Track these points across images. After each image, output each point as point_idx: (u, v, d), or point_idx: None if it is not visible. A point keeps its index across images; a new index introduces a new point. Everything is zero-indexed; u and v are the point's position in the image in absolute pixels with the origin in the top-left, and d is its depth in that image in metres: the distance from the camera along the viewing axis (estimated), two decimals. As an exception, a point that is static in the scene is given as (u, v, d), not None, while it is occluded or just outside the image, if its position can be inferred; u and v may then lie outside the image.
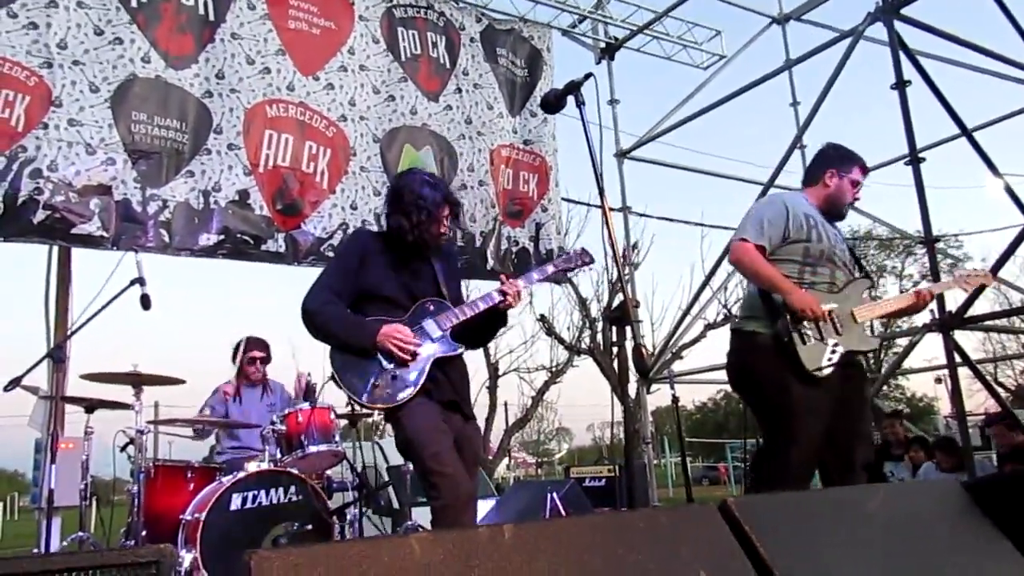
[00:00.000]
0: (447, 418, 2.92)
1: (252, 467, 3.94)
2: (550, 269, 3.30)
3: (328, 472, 4.76)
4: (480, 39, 6.79)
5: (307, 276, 4.49)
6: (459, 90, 6.51)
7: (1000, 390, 12.24)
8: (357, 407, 4.10)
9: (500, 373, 17.37)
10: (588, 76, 2.62)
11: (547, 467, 31.27)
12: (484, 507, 6.46)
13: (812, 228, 3.29)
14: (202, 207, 5.06)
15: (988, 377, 8.16)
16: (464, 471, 2.83)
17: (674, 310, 17.28)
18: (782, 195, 3.51)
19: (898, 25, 6.50)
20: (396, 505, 6.94)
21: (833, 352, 3.15)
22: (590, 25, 9.23)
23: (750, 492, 3.70)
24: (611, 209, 2.61)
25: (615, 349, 2.42)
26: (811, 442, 3.07)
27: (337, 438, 4.46)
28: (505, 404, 19.73)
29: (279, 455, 4.22)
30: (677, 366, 10.17)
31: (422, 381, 2.88)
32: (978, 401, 18.37)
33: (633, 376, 2.50)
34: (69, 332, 4.49)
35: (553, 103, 2.69)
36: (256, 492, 3.82)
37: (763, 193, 7.44)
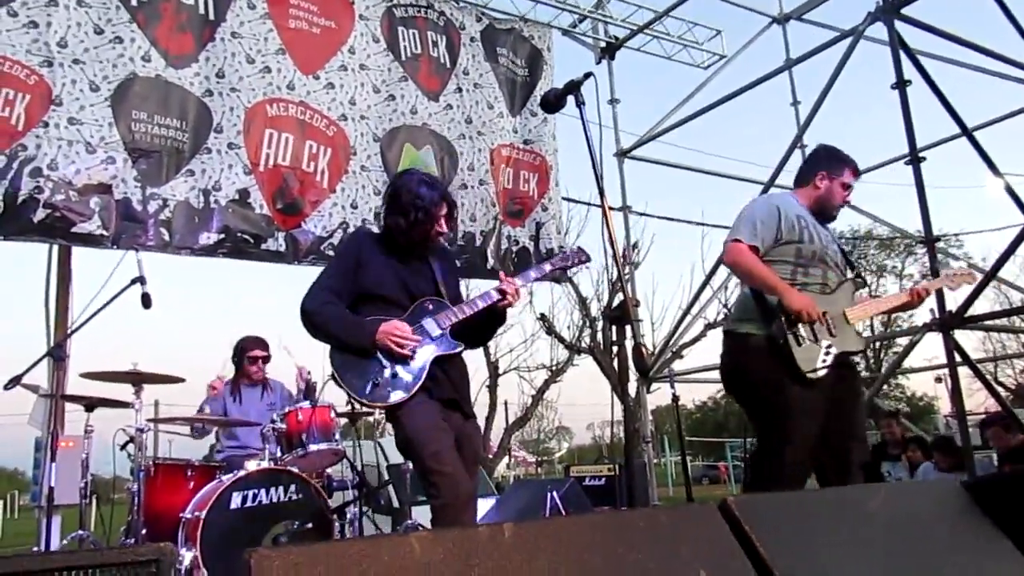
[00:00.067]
0: (447, 416, 2.93)
1: (252, 466, 3.94)
2: (547, 268, 3.32)
3: (328, 471, 4.77)
4: (480, 38, 6.78)
5: (307, 275, 4.49)
6: (459, 89, 6.51)
7: (1000, 389, 12.23)
8: (357, 406, 4.11)
9: (500, 372, 17.38)
10: (588, 76, 2.62)
11: (547, 466, 31.23)
12: (484, 506, 6.46)
13: (804, 229, 3.29)
14: (202, 206, 5.06)
15: (988, 376, 8.16)
16: (464, 470, 2.84)
17: (674, 309, 17.33)
18: (773, 196, 3.51)
19: (898, 25, 6.50)
20: (396, 504, 6.95)
21: (827, 354, 3.15)
22: (590, 25, 9.23)
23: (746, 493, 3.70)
24: (611, 208, 2.61)
25: (615, 348, 2.42)
26: (805, 443, 3.07)
27: (337, 437, 4.46)
28: (505, 403, 19.75)
29: (279, 454, 4.23)
30: (677, 365, 10.18)
31: (422, 379, 2.88)
32: (978, 400, 18.39)
33: (633, 375, 2.51)
34: (69, 331, 4.49)
35: (553, 103, 2.69)
36: (256, 491, 3.82)
37: (764, 192, 7.44)
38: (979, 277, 3.96)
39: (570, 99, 2.63)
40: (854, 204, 9.39)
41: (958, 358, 6.14)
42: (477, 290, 3.20)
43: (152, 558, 1.34)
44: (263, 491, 3.83)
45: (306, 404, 4.39)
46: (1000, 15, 6.80)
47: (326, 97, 5.73)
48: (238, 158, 5.25)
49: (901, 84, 6.38)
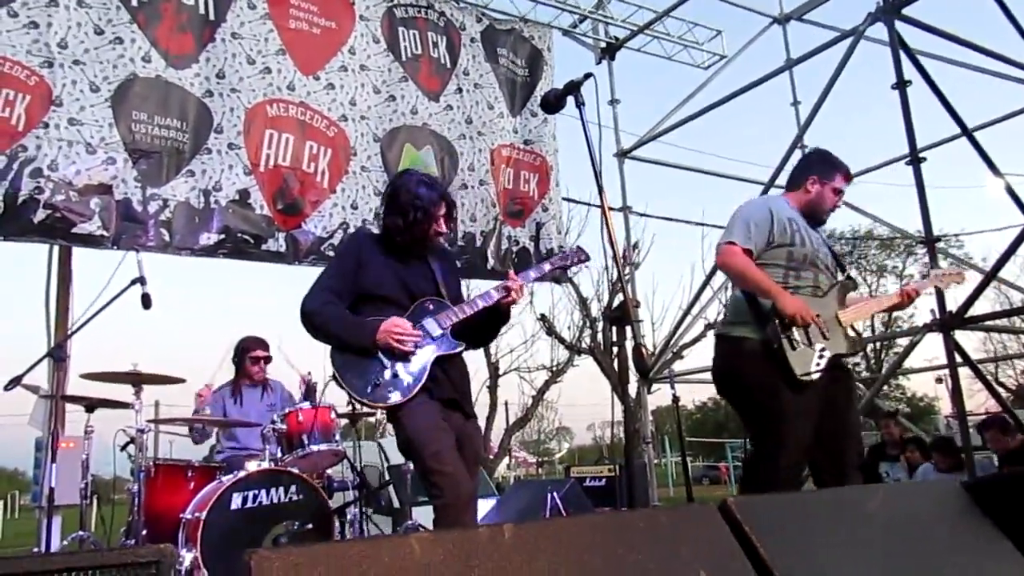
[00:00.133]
0: (447, 416, 2.92)
1: (253, 466, 3.94)
2: (547, 267, 3.32)
3: (329, 471, 4.77)
4: (481, 39, 6.79)
5: (307, 275, 4.51)
6: (460, 90, 6.51)
7: (1001, 390, 12.23)
8: (359, 406, 4.12)
9: (500, 372, 17.39)
10: (588, 76, 2.62)
11: (547, 466, 31.22)
12: (484, 506, 6.46)
13: (796, 232, 3.29)
14: (202, 206, 5.06)
15: (989, 377, 8.16)
16: (465, 470, 2.84)
17: (674, 310, 17.29)
18: (766, 199, 3.51)
19: (899, 25, 6.50)
20: (396, 504, 6.96)
21: (821, 357, 3.15)
22: (591, 25, 9.23)
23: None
24: (611, 209, 2.62)
25: (615, 349, 2.42)
26: (800, 446, 3.07)
27: (338, 437, 4.46)
28: (506, 403, 19.75)
29: (279, 454, 4.22)
30: (677, 366, 10.17)
31: (423, 380, 2.88)
32: (979, 401, 18.40)
33: (633, 376, 2.50)
34: (69, 331, 4.49)
35: (553, 103, 2.69)
36: (257, 491, 3.81)
37: (764, 192, 7.44)
38: (967, 277, 3.96)
39: (570, 99, 2.63)
40: (854, 204, 9.41)
41: (959, 358, 6.14)
42: (477, 291, 3.20)
43: (152, 559, 1.34)
44: (263, 492, 3.83)
45: (306, 405, 4.39)
46: (1000, 15, 6.81)
47: (326, 98, 5.73)
48: (238, 158, 5.25)
49: (901, 84, 6.38)
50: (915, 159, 6.29)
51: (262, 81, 5.45)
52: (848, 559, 1.86)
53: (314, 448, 4.23)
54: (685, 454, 8.51)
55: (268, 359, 5.07)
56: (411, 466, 4.97)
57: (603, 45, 9.33)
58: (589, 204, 11.96)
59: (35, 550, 4.53)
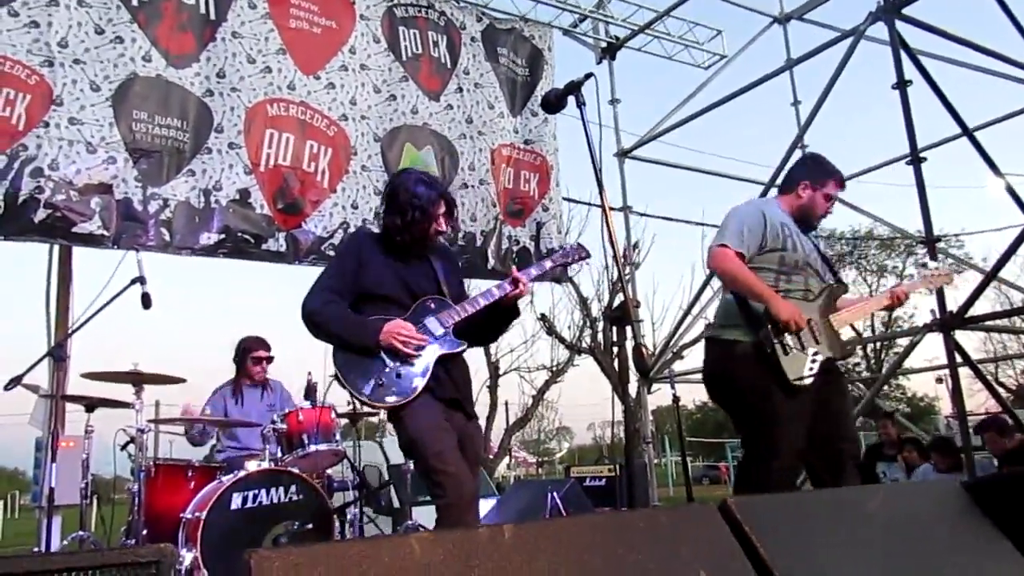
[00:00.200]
0: (449, 417, 2.92)
1: (253, 466, 3.94)
2: (548, 264, 3.30)
3: (329, 471, 4.77)
4: (481, 38, 6.78)
5: (308, 275, 4.50)
6: (460, 89, 6.51)
7: (1001, 390, 12.23)
8: (361, 406, 4.11)
9: (501, 372, 17.38)
10: (588, 76, 2.62)
11: (547, 466, 31.23)
12: (484, 506, 6.45)
13: (788, 237, 3.29)
14: (203, 206, 5.06)
15: (989, 377, 8.15)
16: (468, 470, 2.83)
17: (675, 310, 17.33)
18: (759, 203, 3.49)
19: (899, 25, 6.50)
20: (397, 504, 6.96)
21: (814, 361, 3.15)
22: (591, 25, 9.22)
23: None
24: (612, 209, 2.61)
25: (616, 348, 2.42)
26: (793, 448, 3.07)
27: (338, 437, 4.46)
28: (506, 403, 19.73)
29: (280, 454, 4.23)
30: (678, 366, 10.18)
31: (426, 380, 2.87)
32: (979, 401, 18.41)
33: (634, 376, 2.50)
34: (70, 331, 4.49)
35: (554, 103, 2.69)
36: (257, 491, 3.82)
37: (764, 192, 7.44)
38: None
39: (571, 99, 2.63)
40: (855, 204, 9.40)
41: (959, 358, 6.14)
42: (478, 291, 3.19)
43: (152, 559, 1.34)
44: (263, 492, 3.83)
45: (306, 404, 4.39)
46: (1001, 15, 6.80)
47: (327, 97, 5.73)
48: (239, 158, 5.25)
49: (902, 84, 6.38)
50: (915, 159, 6.29)
51: (262, 80, 5.45)
52: (848, 559, 1.86)
53: (314, 448, 4.23)
54: (685, 454, 8.51)
55: (270, 359, 5.07)
56: (411, 466, 4.98)
57: (603, 45, 9.33)
58: (589, 204, 11.97)
59: (35, 550, 4.53)
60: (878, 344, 26.86)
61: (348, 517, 4.44)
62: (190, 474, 4.10)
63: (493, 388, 17.34)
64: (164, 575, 1.34)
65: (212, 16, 5.34)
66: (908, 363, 9.69)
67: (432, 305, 3.01)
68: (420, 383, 2.86)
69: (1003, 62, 7.15)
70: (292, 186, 5.44)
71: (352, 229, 5.51)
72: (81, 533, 3.89)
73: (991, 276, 6.69)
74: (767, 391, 3.07)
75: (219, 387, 5.00)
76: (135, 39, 4.99)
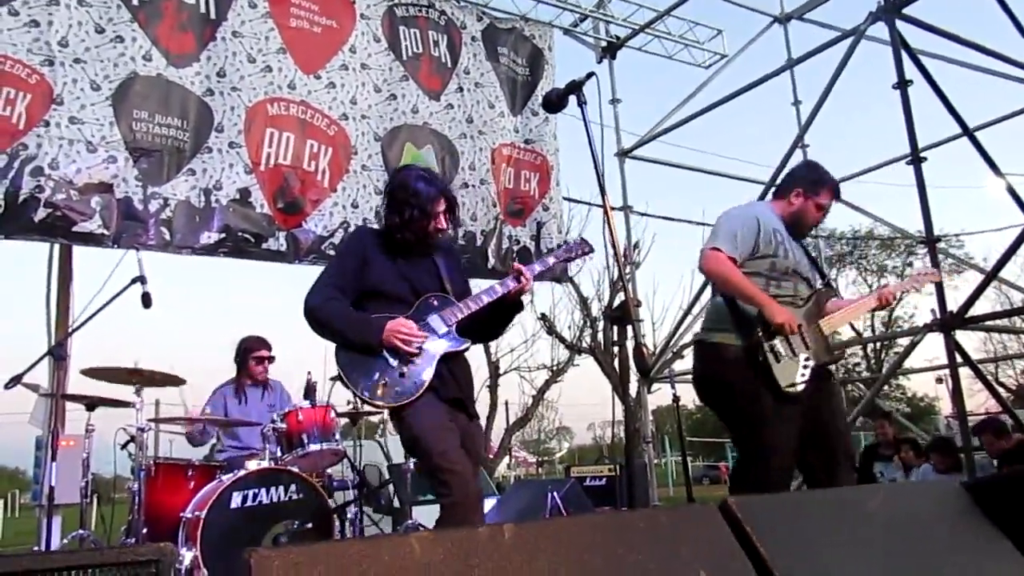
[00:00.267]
0: (453, 417, 2.90)
1: (253, 465, 3.94)
2: (551, 260, 3.27)
3: (329, 471, 4.77)
4: (481, 38, 6.78)
5: (308, 275, 4.50)
6: (460, 89, 6.51)
7: (1001, 390, 12.23)
8: (363, 406, 4.11)
9: (501, 372, 17.37)
10: (590, 75, 2.61)
11: (548, 466, 31.20)
12: (484, 506, 6.45)
13: (780, 244, 3.29)
14: (203, 205, 5.06)
15: (989, 377, 8.15)
16: (472, 469, 2.83)
17: (675, 309, 17.31)
18: (753, 207, 3.47)
19: (900, 24, 6.50)
20: (397, 504, 6.95)
21: (805, 367, 3.16)
22: (591, 24, 9.22)
23: None
24: (612, 208, 2.61)
25: (616, 348, 2.42)
26: (786, 449, 3.07)
27: (337, 436, 4.47)
28: (506, 403, 19.71)
29: (279, 453, 4.23)
30: (678, 365, 10.14)
31: (430, 379, 2.85)
32: (979, 401, 18.40)
33: (634, 375, 2.50)
34: (70, 330, 4.49)
35: (555, 102, 2.67)
36: (257, 490, 3.82)
37: (764, 192, 7.44)
38: (941, 276, 3.95)
39: (571, 99, 2.63)
40: (855, 204, 9.40)
41: (959, 359, 6.14)
42: (477, 288, 3.17)
43: (152, 558, 1.34)
44: (263, 491, 3.83)
45: (306, 404, 4.39)
46: (1002, 15, 6.80)
47: (327, 96, 5.73)
48: (239, 157, 5.25)
49: (902, 84, 6.38)
50: (916, 159, 6.29)
51: (263, 80, 5.45)
52: (848, 559, 1.86)
53: (314, 447, 4.24)
54: (685, 454, 8.49)
55: (271, 359, 5.07)
56: (412, 465, 4.99)
57: (604, 44, 9.32)
58: (590, 204, 11.95)
59: (35, 548, 4.54)
60: (878, 344, 26.86)
61: (348, 516, 4.44)
62: (190, 473, 4.10)
63: (493, 388, 17.33)
64: (164, 574, 1.34)
65: (212, 15, 5.34)
66: (908, 363, 9.70)
67: (435, 302, 2.98)
68: (424, 383, 2.84)
69: (1003, 62, 7.15)
70: (292, 185, 5.44)
71: (352, 229, 5.50)
72: (81, 532, 3.89)
73: (991, 276, 6.68)
74: (757, 394, 3.08)
75: (219, 386, 5.00)
76: (135, 38, 4.99)
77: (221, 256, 5.16)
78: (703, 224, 12.23)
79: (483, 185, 6.46)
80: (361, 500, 4.65)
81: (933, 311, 6.23)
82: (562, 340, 16.52)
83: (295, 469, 4.05)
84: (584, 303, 16.15)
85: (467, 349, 3.02)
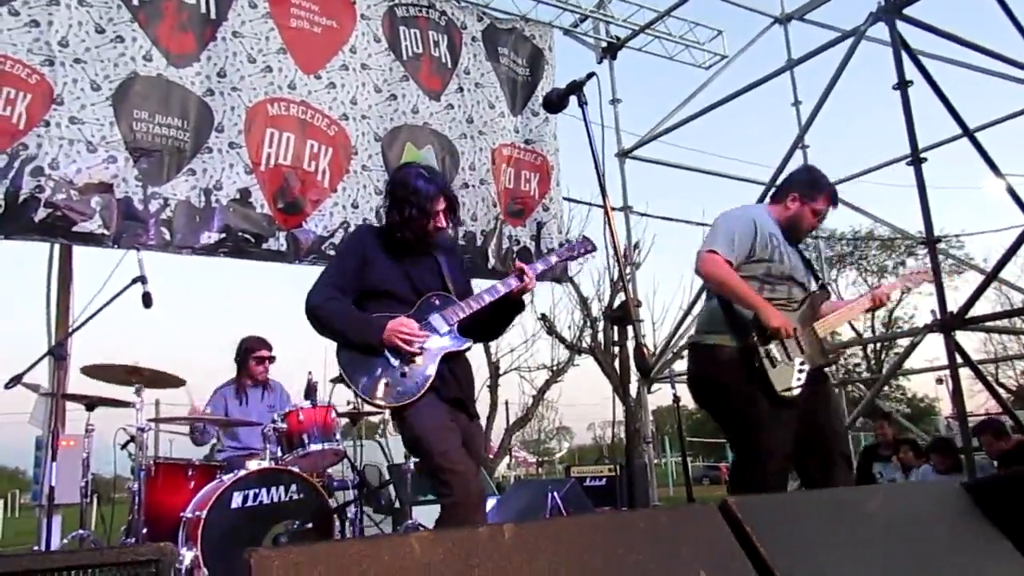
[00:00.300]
0: (454, 417, 2.89)
1: (253, 465, 3.94)
2: (553, 259, 3.25)
3: (329, 471, 4.77)
4: (482, 38, 6.79)
5: (308, 275, 4.50)
6: (461, 89, 6.52)
7: (1001, 391, 12.23)
8: (365, 405, 4.10)
9: (501, 372, 17.38)
10: (591, 75, 2.61)
11: (548, 466, 31.18)
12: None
13: (775, 248, 3.29)
14: (203, 205, 5.06)
15: (989, 378, 8.15)
16: (475, 469, 2.82)
17: (675, 310, 17.31)
18: (750, 210, 3.46)
19: (900, 25, 6.49)
20: (397, 504, 6.96)
21: (801, 371, 3.16)
22: (592, 24, 9.21)
23: None
24: (612, 208, 2.60)
25: (616, 348, 2.41)
26: (782, 450, 3.08)
27: (338, 436, 4.46)
28: (506, 403, 19.72)
29: (280, 453, 4.23)
30: (678, 366, 10.15)
31: (431, 379, 2.84)
32: (979, 402, 18.40)
33: (634, 375, 2.50)
34: (70, 330, 4.49)
35: (556, 102, 2.67)
36: (257, 490, 3.82)
37: (765, 193, 7.43)
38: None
39: (572, 99, 2.62)
40: (855, 204, 9.40)
41: (959, 359, 6.13)
42: (477, 288, 3.16)
43: (152, 558, 1.34)
44: (264, 491, 3.83)
45: (306, 404, 4.39)
46: (1002, 15, 6.80)
47: (327, 96, 5.73)
48: (239, 157, 5.25)
49: (903, 84, 6.37)
50: (916, 159, 6.28)
51: (263, 80, 5.46)
52: (848, 559, 1.86)
53: (314, 447, 4.24)
54: (685, 454, 8.48)
55: (271, 359, 5.08)
56: (411, 465, 4.99)
57: (604, 45, 9.32)
58: (590, 204, 11.97)
59: (35, 548, 4.54)
60: (878, 345, 26.85)
61: (348, 516, 4.44)
62: (190, 473, 4.10)
63: (493, 388, 17.34)
64: (164, 574, 1.34)
65: (213, 15, 5.34)
66: (908, 364, 9.70)
67: (437, 302, 2.97)
68: (425, 383, 2.83)
69: (1004, 63, 7.14)
70: (293, 185, 5.45)
71: (352, 229, 5.51)
72: (81, 532, 3.89)
73: (991, 277, 6.68)
74: (752, 396, 3.08)
75: (220, 387, 5.00)
76: (136, 38, 4.99)
77: (221, 256, 5.16)
78: (703, 224, 12.22)
79: (483, 185, 6.46)
80: (361, 500, 4.65)
81: (933, 312, 6.22)
82: (562, 340, 16.54)
83: (295, 469, 4.05)
84: (584, 303, 16.17)
85: (468, 349, 3.00)
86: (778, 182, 3.65)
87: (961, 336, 6.22)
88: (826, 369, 3.40)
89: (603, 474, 8.35)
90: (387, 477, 6.81)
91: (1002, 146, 7.74)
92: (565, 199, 8.00)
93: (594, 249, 3.28)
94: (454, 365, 2.96)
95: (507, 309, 3.09)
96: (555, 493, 5.99)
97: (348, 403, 4.73)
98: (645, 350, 2.44)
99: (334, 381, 4.22)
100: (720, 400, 3.27)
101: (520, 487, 9.02)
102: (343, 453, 4.57)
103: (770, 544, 1.71)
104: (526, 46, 7.11)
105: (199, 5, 5.29)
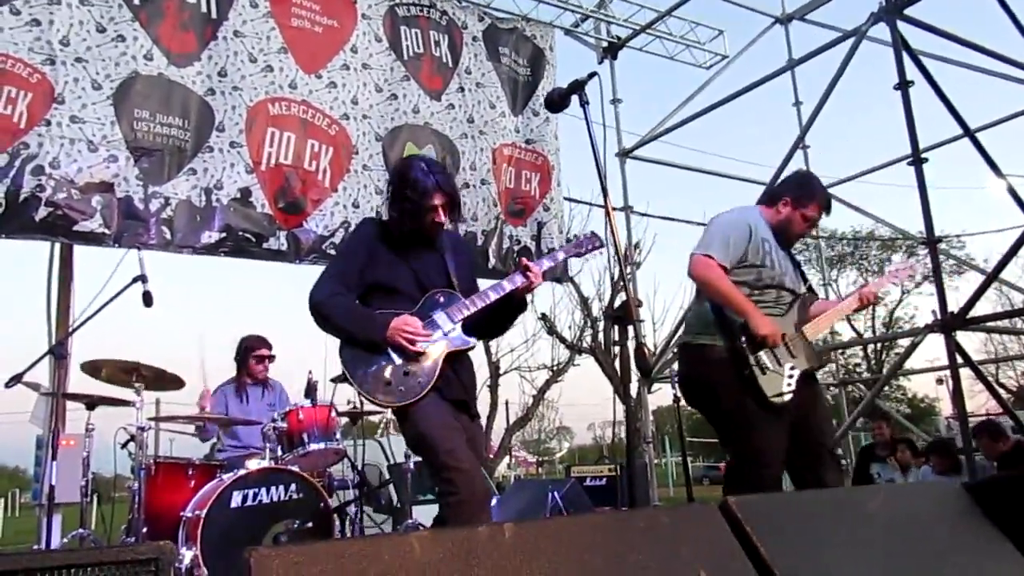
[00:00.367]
0: (457, 417, 2.86)
1: (253, 464, 3.94)
2: (560, 256, 3.23)
3: (329, 470, 4.77)
4: (483, 38, 6.79)
5: (309, 274, 4.50)
6: (461, 89, 6.52)
7: (1001, 391, 12.23)
8: (366, 404, 4.09)
9: (501, 372, 17.37)
10: (592, 75, 2.59)
11: (548, 466, 31.17)
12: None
13: (767, 254, 3.28)
14: (204, 205, 5.06)
15: (989, 378, 8.15)
16: (479, 467, 2.80)
17: (676, 309, 17.32)
18: (746, 213, 3.44)
19: (901, 25, 6.48)
20: (397, 503, 6.96)
21: (791, 377, 3.16)
22: (592, 24, 9.21)
23: None
24: (613, 208, 2.60)
25: (617, 348, 2.41)
26: (774, 452, 3.08)
27: (338, 436, 4.46)
28: (506, 403, 19.72)
29: (280, 453, 4.22)
30: (678, 366, 10.15)
31: (435, 378, 2.80)
32: (979, 402, 18.42)
33: (634, 375, 2.49)
34: (70, 329, 4.49)
35: (558, 102, 2.65)
36: (257, 490, 3.81)
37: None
38: (921, 268, 3.95)
39: (573, 98, 2.62)
40: (856, 204, 9.39)
41: (960, 359, 6.13)
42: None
43: (152, 556, 1.34)
44: (263, 490, 3.83)
45: (307, 403, 4.39)
46: (1003, 15, 6.79)
47: (328, 96, 5.74)
48: (240, 157, 5.25)
49: (904, 85, 6.36)
50: (917, 159, 6.28)
51: (264, 79, 5.46)
52: (849, 559, 1.86)
53: (314, 447, 4.24)
54: (685, 454, 8.48)
55: (272, 358, 5.08)
56: (412, 465, 4.99)
57: (605, 44, 9.31)
58: (591, 204, 11.94)
59: (35, 547, 4.54)
60: (879, 345, 26.86)
61: (348, 516, 4.44)
62: (190, 472, 4.10)
63: (494, 387, 17.33)
64: (163, 573, 1.34)
65: (213, 15, 5.34)
66: (909, 364, 9.70)
67: (441, 299, 2.91)
68: (429, 382, 2.79)
69: (1005, 63, 7.14)
70: (293, 185, 5.45)
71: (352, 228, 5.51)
72: (81, 531, 3.89)
73: (992, 277, 6.67)
74: (743, 397, 3.09)
75: (220, 386, 5.00)
76: (137, 38, 5.00)
77: (222, 256, 5.16)
78: (703, 225, 12.23)
79: (484, 185, 6.46)
80: (361, 500, 4.65)
81: (934, 312, 6.22)
82: (562, 340, 16.53)
83: (295, 468, 4.04)
84: (585, 303, 16.16)
85: (472, 348, 2.95)
86: (778, 181, 3.64)
87: (961, 336, 6.22)
88: (824, 369, 3.40)
89: (603, 474, 8.36)
90: (387, 477, 6.81)
91: (1003, 146, 7.74)
92: (566, 199, 8.01)
93: (602, 245, 3.19)
94: (457, 365, 2.92)
95: (510, 308, 3.04)
96: (555, 493, 5.99)
97: (348, 402, 4.74)
98: (646, 350, 2.43)
99: (334, 380, 4.22)
100: (711, 400, 3.27)
101: (520, 487, 9.03)
102: (343, 452, 4.57)
103: (770, 544, 1.71)
104: (527, 46, 7.11)
105: (200, 4, 5.30)
